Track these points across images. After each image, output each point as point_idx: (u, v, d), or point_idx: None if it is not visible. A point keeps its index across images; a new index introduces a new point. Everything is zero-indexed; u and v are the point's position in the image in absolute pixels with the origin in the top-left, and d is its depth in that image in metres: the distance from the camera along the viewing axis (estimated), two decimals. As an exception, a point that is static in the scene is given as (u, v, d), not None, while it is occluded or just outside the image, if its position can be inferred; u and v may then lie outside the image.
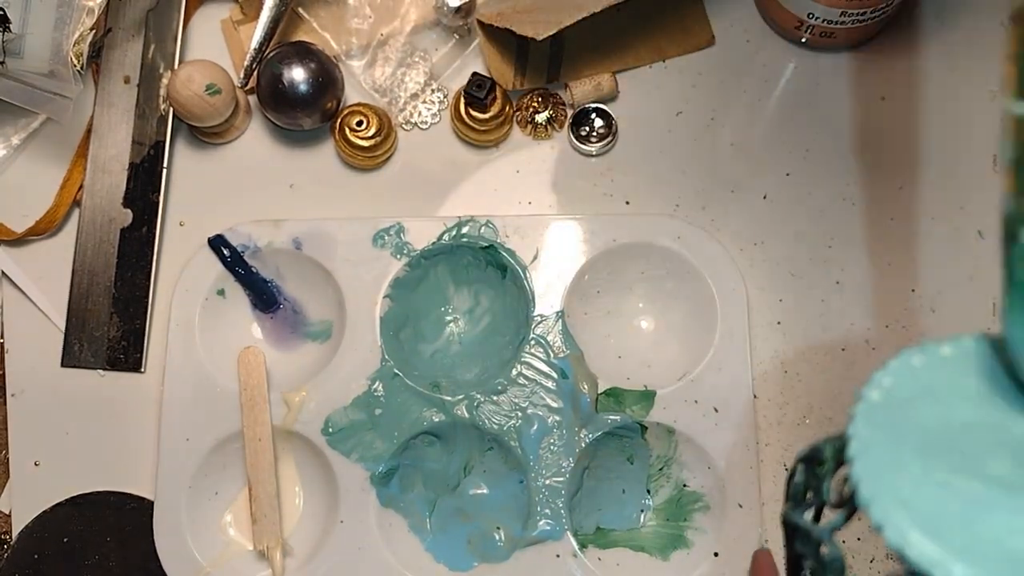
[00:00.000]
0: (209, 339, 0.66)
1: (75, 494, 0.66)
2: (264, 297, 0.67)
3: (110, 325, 0.68)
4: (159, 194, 0.68)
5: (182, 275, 0.66)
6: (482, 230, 0.65)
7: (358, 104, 0.67)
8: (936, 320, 0.64)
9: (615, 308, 0.66)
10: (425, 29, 0.70)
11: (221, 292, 0.67)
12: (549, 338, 0.63)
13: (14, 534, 0.66)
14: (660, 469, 0.64)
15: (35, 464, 0.67)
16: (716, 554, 0.60)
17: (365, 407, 0.63)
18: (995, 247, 0.33)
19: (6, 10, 0.64)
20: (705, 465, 0.62)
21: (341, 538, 0.62)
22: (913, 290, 0.64)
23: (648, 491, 0.64)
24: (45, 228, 0.69)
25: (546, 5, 0.65)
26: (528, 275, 0.64)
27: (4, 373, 0.69)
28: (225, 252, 0.66)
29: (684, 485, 0.63)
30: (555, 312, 0.64)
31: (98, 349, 0.68)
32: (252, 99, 0.71)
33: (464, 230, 0.65)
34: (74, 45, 0.65)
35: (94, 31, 0.66)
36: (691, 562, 0.61)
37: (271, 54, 0.66)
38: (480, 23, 0.66)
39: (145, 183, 0.69)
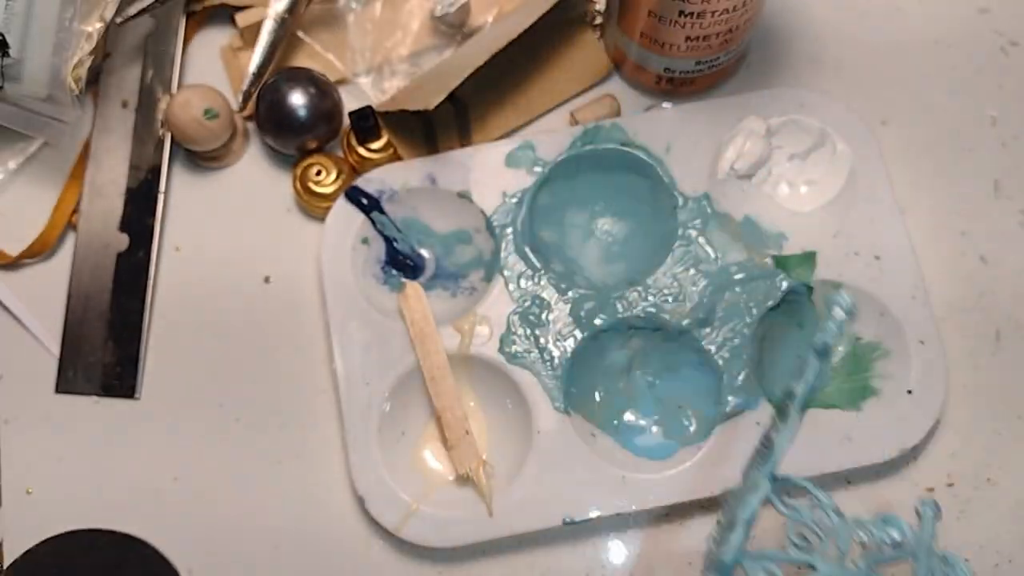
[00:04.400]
0: (366, 285, 0.66)
1: (68, 528, 0.65)
2: (410, 264, 0.69)
3: (105, 350, 0.67)
4: (155, 219, 0.68)
5: (325, 230, 0.66)
6: (610, 133, 0.67)
7: (314, 155, 0.69)
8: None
9: (754, 182, 0.68)
10: (426, 38, 0.72)
11: (365, 241, 0.67)
12: (697, 223, 0.66)
13: (5, 564, 0.65)
14: None
15: (27, 492, 0.66)
16: (910, 391, 0.63)
17: (532, 321, 0.65)
18: None
19: (5, 35, 0.62)
20: (877, 313, 0.64)
21: (543, 448, 0.62)
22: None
23: None
24: (39, 251, 0.68)
25: (432, 76, 0.68)
26: (664, 167, 0.66)
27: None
28: (363, 201, 0.67)
29: (858, 339, 0.65)
30: (698, 197, 0.66)
31: (92, 375, 0.67)
32: (251, 124, 0.72)
33: (592, 136, 0.67)
34: (73, 70, 0.64)
35: (93, 56, 0.65)
36: (884, 405, 0.63)
37: (270, 79, 0.68)
38: (379, 113, 0.67)
39: (142, 208, 0.69)
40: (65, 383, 0.68)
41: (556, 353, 0.64)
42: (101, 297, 0.68)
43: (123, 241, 0.69)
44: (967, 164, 0.72)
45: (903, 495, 0.65)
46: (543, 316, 0.65)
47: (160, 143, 0.69)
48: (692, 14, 0.61)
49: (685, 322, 0.64)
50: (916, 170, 0.71)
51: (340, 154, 0.70)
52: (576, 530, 0.63)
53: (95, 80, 0.70)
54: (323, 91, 0.68)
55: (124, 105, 0.70)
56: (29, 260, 0.69)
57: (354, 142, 0.68)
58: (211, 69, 0.72)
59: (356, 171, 0.69)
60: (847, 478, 0.65)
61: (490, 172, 0.67)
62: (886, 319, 0.64)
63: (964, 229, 0.70)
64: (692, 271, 0.65)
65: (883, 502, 0.64)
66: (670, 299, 0.65)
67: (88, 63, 0.65)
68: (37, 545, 0.64)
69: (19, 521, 0.66)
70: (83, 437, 0.67)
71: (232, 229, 0.70)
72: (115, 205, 0.69)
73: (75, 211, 0.69)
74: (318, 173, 0.68)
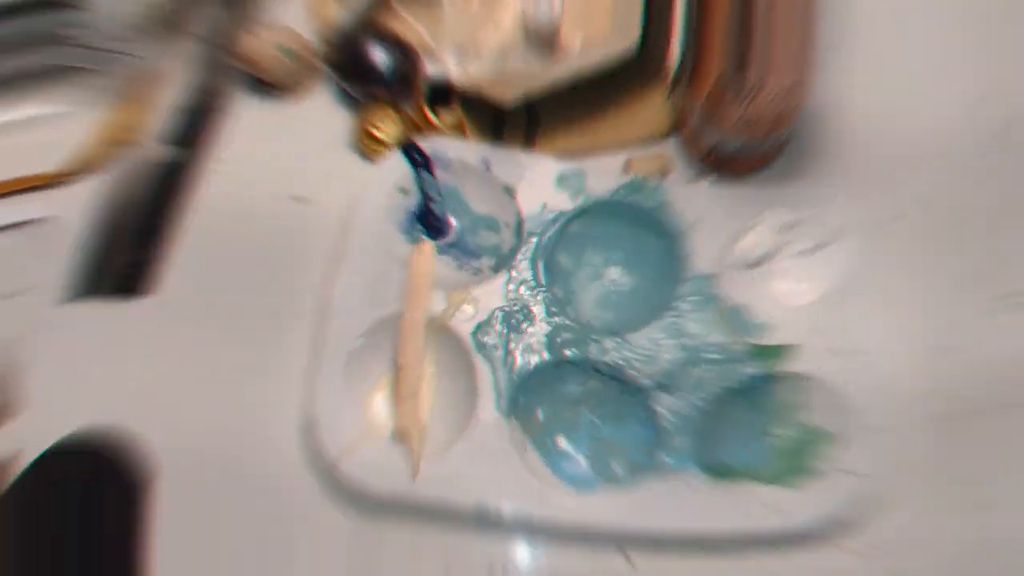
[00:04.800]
0: (389, 230, 0.70)
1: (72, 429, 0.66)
2: (436, 224, 0.71)
3: (123, 255, 0.70)
4: (204, 134, 0.72)
5: (374, 169, 0.70)
6: (653, 193, 0.70)
7: (384, 104, 0.72)
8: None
9: (759, 272, 0.70)
10: (516, 41, 0.74)
11: (403, 191, 0.70)
12: (695, 299, 0.68)
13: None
14: (784, 413, 0.67)
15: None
16: (851, 474, 0.64)
17: (513, 324, 0.67)
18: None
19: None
20: (833, 403, 0.65)
21: (476, 436, 0.65)
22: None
23: (769, 433, 0.68)
24: (89, 168, 0.71)
25: (516, 76, 0.71)
26: (687, 241, 0.69)
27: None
28: (418, 157, 0.70)
29: (809, 424, 0.67)
30: (705, 276, 0.68)
31: (106, 279, 0.69)
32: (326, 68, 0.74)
33: (637, 189, 0.70)
34: (147, 5, 0.68)
35: (168, -9, 0.68)
36: (824, 488, 0.65)
37: (357, 33, 0.71)
38: (458, 90, 0.71)
39: (194, 123, 0.72)
40: (79, 289, 0.70)
41: (519, 362, 0.67)
42: (135, 205, 0.71)
43: (167, 153, 0.71)
44: (954, 255, 0.72)
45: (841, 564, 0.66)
46: (523, 326, 0.68)
47: (228, 71, 0.72)
48: (749, 90, 0.63)
49: (646, 382, 0.67)
50: (910, 265, 0.72)
51: (409, 112, 0.73)
52: (490, 524, 0.66)
53: (171, 16, 0.72)
54: (407, 55, 0.71)
55: (197, 38, 0.73)
56: (74, 177, 0.71)
57: (426, 107, 0.71)
58: (296, 14, 0.75)
59: (419, 131, 0.72)
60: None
61: (539, 181, 0.70)
62: (841, 409, 0.66)
63: (931, 314, 0.71)
64: (672, 342, 0.68)
65: (819, 568, 0.66)
66: (641, 359, 0.67)
67: (163, -3, 0.67)
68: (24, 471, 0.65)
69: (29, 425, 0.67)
70: (89, 340, 0.69)
71: (281, 154, 0.73)
72: (169, 121, 0.72)
73: (129, 131, 0.71)
74: (382, 120, 0.71)
